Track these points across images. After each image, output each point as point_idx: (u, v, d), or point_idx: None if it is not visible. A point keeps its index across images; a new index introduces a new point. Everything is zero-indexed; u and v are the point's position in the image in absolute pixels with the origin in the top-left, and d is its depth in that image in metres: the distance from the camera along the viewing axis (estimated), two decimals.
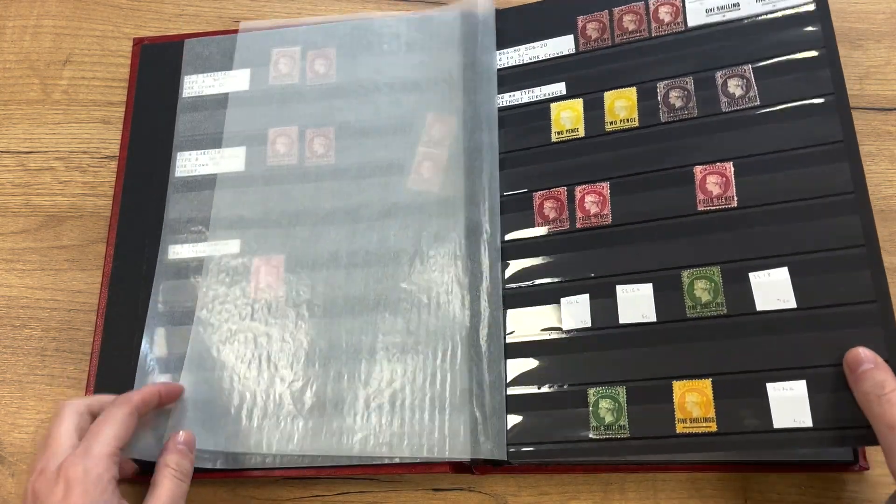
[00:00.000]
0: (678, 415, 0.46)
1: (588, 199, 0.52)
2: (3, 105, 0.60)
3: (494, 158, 0.54)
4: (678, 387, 0.47)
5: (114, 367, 0.52)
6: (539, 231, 0.52)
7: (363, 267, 0.52)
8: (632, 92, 0.54)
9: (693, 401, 0.46)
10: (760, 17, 0.53)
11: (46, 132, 0.60)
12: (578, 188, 0.52)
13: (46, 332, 0.54)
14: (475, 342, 0.49)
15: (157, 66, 0.60)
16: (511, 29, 0.58)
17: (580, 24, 0.57)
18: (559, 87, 0.56)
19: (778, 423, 0.44)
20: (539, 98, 0.56)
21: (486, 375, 0.48)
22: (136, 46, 0.61)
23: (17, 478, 0.50)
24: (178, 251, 0.54)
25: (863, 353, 0.43)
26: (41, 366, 0.53)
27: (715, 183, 0.50)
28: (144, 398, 0.46)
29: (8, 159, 0.59)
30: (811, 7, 0.52)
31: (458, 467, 0.49)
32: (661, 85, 0.53)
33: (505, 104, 0.56)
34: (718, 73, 0.52)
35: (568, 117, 0.55)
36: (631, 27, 0.55)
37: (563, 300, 0.50)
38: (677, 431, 0.46)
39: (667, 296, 0.48)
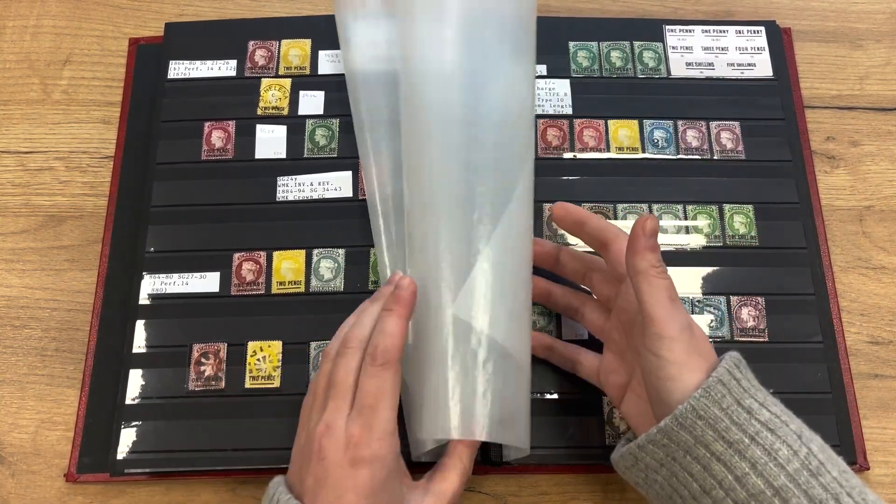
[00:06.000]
0: None
1: None
2: (3, 105, 0.60)
3: None
4: None
5: (109, 367, 0.51)
6: None
7: None
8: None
9: None
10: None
11: (46, 132, 0.60)
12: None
13: (46, 332, 0.54)
14: None
15: (152, 66, 0.59)
16: None
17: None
18: None
19: None
20: None
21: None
22: (131, 46, 0.61)
23: (17, 478, 0.50)
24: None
25: (654, 222, 0.42)
26: (41, 366, 0.53)
27: None
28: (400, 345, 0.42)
29: (8, 159, 0.59)
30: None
31: None
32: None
33: None
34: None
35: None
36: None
37: None
38: None
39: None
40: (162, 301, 0.52)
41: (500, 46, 0.49)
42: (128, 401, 0.50)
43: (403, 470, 0.42)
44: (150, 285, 0.52)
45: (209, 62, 0.58)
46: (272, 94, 0.57)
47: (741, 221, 0.54)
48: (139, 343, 0.51)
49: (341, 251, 0.53)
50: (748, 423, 0.37)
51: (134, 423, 0.49)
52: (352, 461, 0.39)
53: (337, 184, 0.55)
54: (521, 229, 0.47)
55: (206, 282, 0.53)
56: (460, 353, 0.43)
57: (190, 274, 0.53)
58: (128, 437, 0.49)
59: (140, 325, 0.52)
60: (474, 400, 0.43)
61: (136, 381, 0.50)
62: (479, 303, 0.44)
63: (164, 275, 0.53)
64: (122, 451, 0.49)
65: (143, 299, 0.52)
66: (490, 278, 0.45)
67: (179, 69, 0.58)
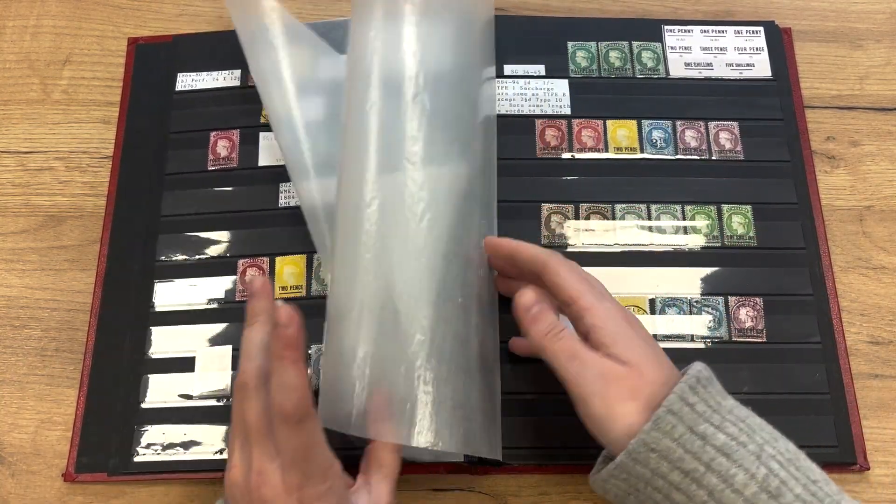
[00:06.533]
0: None
1: None
2: (3, 105, 0.60)
3: None
4: None
5: (108, 367, 0.52)
6: None
7: None
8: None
9: None
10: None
11: (46, 132, 0.60)
12: None
13: (46, 332, 0.54)
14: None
15: (151, 66, 0.60)
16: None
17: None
18: None
19: None
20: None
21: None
22: (130, 46, 0.61)
23: (17, 478, 0.50)
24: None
25: (528, 295, 0.44)
26: (41, 366, 0.53)
27: None
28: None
29: (8, 159, 0.59)
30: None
31: (455, 467, 0.49)
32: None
33: None
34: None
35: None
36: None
37: None
38: None
39: None
40: (171, 307, 0.53)
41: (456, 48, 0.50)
42: (144, 405, 0.50)
43: (346, 480, 0.41)
44: (162, 292, 0.53)
45: (214, 73, 0.59)
46: None
47: (739, 222, 0.54)
48: (152, 349, 0.52)
49: None
50: (702, 450, 0.37)
51: (146, 426, 0.50)
52: (299, 501, 0.37)
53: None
54: (472, 233, 0.47)
55: (213, 288, 0.53)
56: (388, 350, 0.43)
57: (197, 280, 0.53)
58: (143, 440, 0.50)
59: (153, 332, 0.52)
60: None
61: (148, 386, 0.51)
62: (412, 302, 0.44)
63: (173, 282, 0.53)
64: (141, 453, 0.49)
65: (157, 307, 0.53)
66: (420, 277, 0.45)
67: (186, 81, 0.59)
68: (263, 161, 0.56)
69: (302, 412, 0.37)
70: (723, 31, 0.60)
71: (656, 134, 0.56)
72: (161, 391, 0.51)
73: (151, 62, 0.60)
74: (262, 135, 0.57)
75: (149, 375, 0.51)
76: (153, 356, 0.52)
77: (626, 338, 0.41)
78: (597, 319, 0.41)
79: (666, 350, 0.50)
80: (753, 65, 0.58)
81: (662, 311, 0.51)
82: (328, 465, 0.39)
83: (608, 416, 0.39)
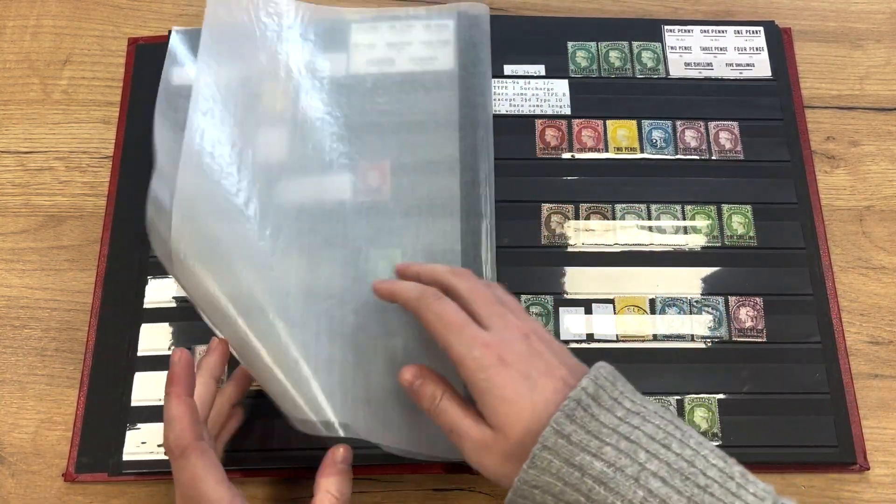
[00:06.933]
0: None
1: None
2: (3, 105, 0.60)
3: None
4: None
5: (108, 367, 0.51)
6: None
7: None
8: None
9: None
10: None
11: (46, 132, 0.60)
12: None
13: (46, 332, 0.54)
14: None
15: (151, 66, 0.59)
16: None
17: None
18: None
19: None
20: None
21: None
22: (130, 46, 0.61)
23: (17, 478, 0.50)
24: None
25: (408, 372, 0.43)
26: (41, 366, 0.53)
27: None
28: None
29: (8, 159, 0.59)
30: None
31: (455, 467, 0.49)
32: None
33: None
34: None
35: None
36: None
37: None
38: None
39: None
40: (165, 305, 0.52)
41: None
42: (133, 403, 0.50)
43: None
44: (155, 289, 0.53)
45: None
46: None
47: (739, 222, 0.54)
48: (144, 346, 0.51)
49: None
50: (581, 482, 0.36)
51: (139, 425, 0.50)
52: None
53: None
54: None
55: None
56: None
57: None
58: (134, 439, 0.49)
59: (145, 329, 0.52)
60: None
61: (140, 384, 0.51)
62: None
63: (167, 278, 0.53)
64: (129, 452, 0.49)
65: (148, 303, 0.52)
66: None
67: (183, 76, 0.58)
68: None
69: (182, 444, 0.39)
70: (723, 31, 0.60)
71: (656, 134, 0.56)
72: (154, 389, 0.50)
73: (151, 62, 0.60)
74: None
75: (139, 373, 0.51)
76: (143, 354, 0.51)
77: (492, 392, 0.39)
78: (468, 373, 0.40)
79: (666, 350, 0.50)
80: (753, 65, 0.58)
81: (662, 311, 0.51)
82: (224, 499, 0.39)
83: (495, 478, 0.40)
